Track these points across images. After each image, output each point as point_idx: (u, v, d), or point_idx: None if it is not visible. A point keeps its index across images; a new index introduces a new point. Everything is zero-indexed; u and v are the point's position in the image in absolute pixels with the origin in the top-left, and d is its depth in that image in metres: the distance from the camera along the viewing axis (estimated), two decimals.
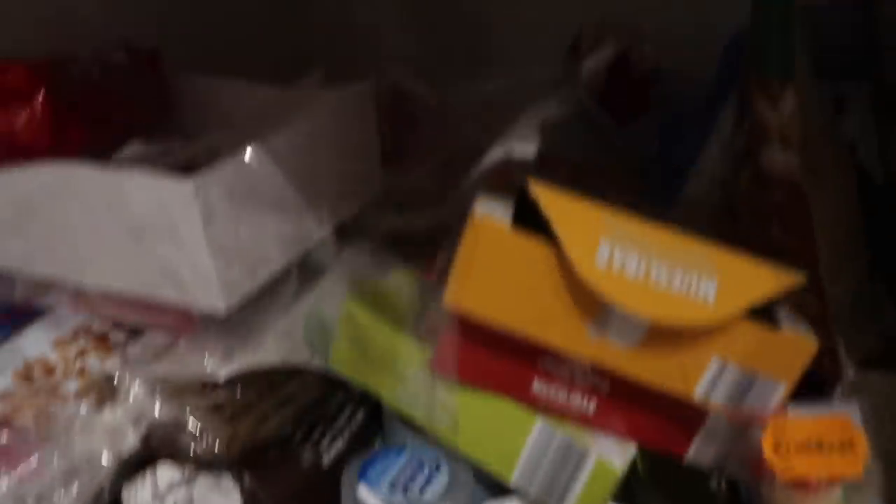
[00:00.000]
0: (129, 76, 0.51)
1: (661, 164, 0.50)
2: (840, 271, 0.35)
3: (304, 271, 0.46)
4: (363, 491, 0.37)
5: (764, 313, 0.31)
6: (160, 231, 0.37)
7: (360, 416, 0.47)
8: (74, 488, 0.36)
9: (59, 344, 0.46)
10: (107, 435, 0.38)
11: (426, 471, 0.39)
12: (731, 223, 0.40)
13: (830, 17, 0.50)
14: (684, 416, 0.34)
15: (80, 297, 0.45)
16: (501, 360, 0.35)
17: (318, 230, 0.44)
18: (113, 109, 0.48)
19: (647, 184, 0.50)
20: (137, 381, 0.39)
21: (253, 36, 0.68)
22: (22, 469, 0.37)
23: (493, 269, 0.32)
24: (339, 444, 0.44)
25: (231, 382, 0.40)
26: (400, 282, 0.45)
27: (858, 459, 0.29)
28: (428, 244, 0.42)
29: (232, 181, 0.37)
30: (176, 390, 0.39)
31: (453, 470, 0.39)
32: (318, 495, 0.41)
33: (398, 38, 0.71)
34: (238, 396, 0.40)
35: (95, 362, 0.45)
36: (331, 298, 0.46)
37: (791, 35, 0.33)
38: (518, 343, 0.34)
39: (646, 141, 0.55)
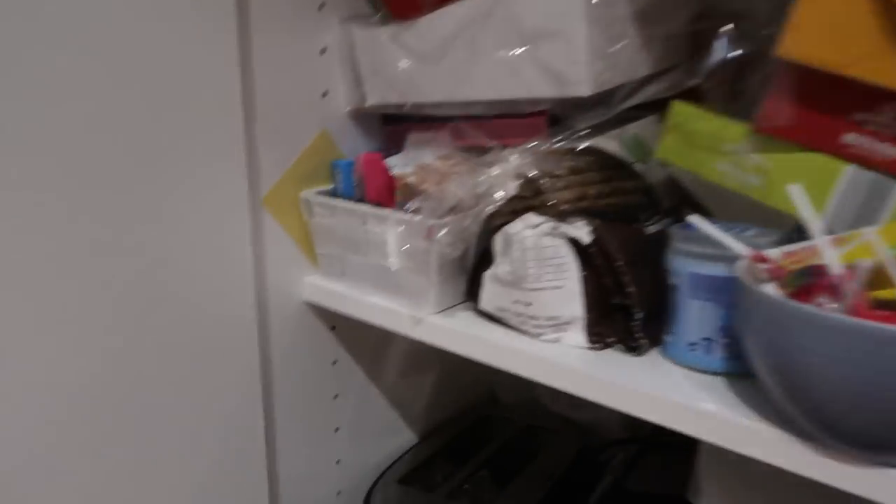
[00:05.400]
0: None
1: None
2: None
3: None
4: (694, 219, 0.47)
5: None
6: (551, 35, 0.52)
7: (664, 221, 0.58)
8: (482, 206, 0.52)
9: (440, 158, 0.63)
10: (496, 180, 0.53)
11: (738, 228, 0.49)
12: None
13: None
14: None
15: (460, 128, 0.61)
16: (818, 115, 0.45)
17: (645, 70, 0.56)
18: None
19: None
20: (515, 152, 0.54)
21: None
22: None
23: (826, 16, 0.42)
24: (652, 229, 0.56)
25: (585, 155, 0.53)
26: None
27: None
28: None
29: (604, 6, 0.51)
30: (543, 155, 0.53)
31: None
32: (640, 247, 0.52)
33: None
34: (590, 168, 0.53)
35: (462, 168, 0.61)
36: (645, 127, 0.59)
37: None
38: (834, 98, 0.43)
39: None
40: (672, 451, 0.82)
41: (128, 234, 0.54)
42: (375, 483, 0.77)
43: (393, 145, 0.70)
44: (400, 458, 0.81)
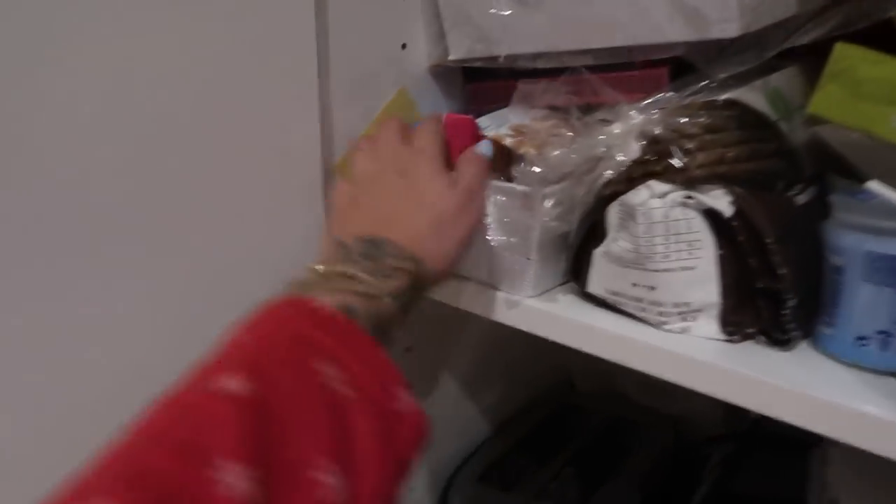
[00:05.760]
0: None
1: None
2: None
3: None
4: (874, 186, 0.38)
5: None
6: None
7: (808, 191, 0.49)
8: (599, 171, 0.44)
9: (535, 119, 0.55)
10: (616, 140, 0.45)
11: None
12: None
13: None
14: None
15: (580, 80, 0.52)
16: None
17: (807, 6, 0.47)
18: None
19: None
20: (636, 108, 0.46)
21: None
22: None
23: None
24: (801, 199, 0.47)
25: (724, 109, 0.45)
26: None
27: None
28: None
29: None
30: (674, 111, 0.45)
31: None
32: (790, 221, 0.44)
33: None
34: (728, 126, 0.45)
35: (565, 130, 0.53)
36: (787, 78, 0.50)
37: None
38: None
39: None
40: (777, 450, 0.74)
41: (196, 202, 0.47)
42: (451, 480, 0.70)
43: (476, 105, 0.62)
44: (475, 452, 0.74)
